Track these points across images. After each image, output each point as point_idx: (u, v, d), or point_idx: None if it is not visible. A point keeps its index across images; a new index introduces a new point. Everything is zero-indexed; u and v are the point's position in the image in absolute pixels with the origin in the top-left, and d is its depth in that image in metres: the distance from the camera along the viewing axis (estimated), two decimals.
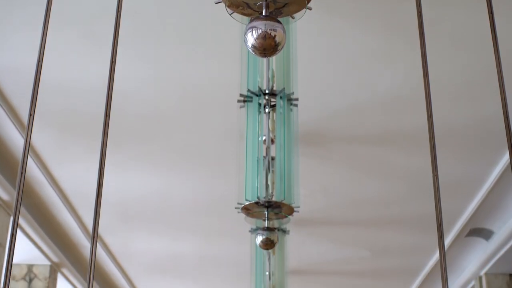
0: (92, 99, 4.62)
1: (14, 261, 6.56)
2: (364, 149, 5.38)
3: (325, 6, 3.78)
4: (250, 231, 3.94)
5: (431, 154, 1.62)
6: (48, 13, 1.66)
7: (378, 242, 7.42)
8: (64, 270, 7.58)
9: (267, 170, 3.60)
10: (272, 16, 1.58)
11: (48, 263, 7.23)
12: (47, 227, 6.66)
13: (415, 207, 6.40)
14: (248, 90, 3.51)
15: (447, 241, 7.07)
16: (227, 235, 7.10)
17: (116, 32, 1.69)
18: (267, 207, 3.44)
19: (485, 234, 6.95)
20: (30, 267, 7.25)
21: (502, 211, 6.36)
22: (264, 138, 3.58)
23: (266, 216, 3.47)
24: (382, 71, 4.42)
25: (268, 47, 1.56)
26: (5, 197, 5.62)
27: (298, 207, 3.54)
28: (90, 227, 6.77)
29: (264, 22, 1.55)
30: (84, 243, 7.29)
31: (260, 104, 3.51)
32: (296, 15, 1.66)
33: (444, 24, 3.93)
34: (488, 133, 5.05)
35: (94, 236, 1.51)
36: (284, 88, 3.54)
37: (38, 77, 1.60)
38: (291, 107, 3.62)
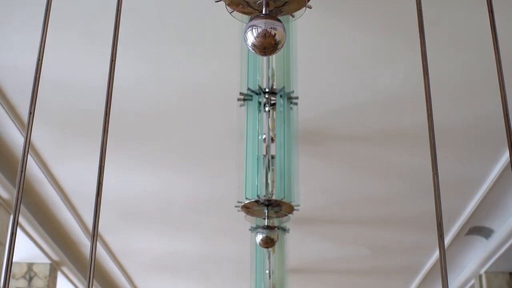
0: (92, 98, 4.62)
1: (14, 260, 6.56)
2: (364, 148, 5.38)
3: (325, 5, 3.78)
4: (250, 229, 3.94)
5: (431, 153, 1.62)
6: (48, 12, 1.66)
7: (378, 240, 7.43)
8: (64, 269, 7.58)
9: (267, 169, 3.60)
10: (272, 15, 1.58)
11: (48, 261, 7.23)
12: (47, 225, 6.66)
13: (415, 205, 6.40)
14: (248, 89, 3.51)
15: (447, 240, 7.07)
16: (227, 233, 7.11)
17: (116, 31, 1.69)
18: (267, 205, 3.44)
19: (485, 232, 6.95)
20: (30, 266, 7.25)
21: (502, 209, 6.36)
22: (264, 136, 3.58)
23: (266, 214, 3.47)
24: (382, 70, 4.42)
25: (268, 45, 1.56)
26: (5, 195, 5.62)
27: (298, 205, 3.54)
28: (90, 225, 6.77)
29: (264, 20, 1.55)
30: (84, 242, 7.29)
31: (260, 103, 3.51)
32: (296, 13, 1.66)
33: (444, 24, 3.93)
34: (488, 132, 5.05)
35: (94, 235, 1.51)
36: (284, 86, 3.54)
37: (38, 75, 1.60)
38: (291, 105, 3.62)
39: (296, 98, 3.65)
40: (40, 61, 1.61)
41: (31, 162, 5.46)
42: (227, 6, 1.62)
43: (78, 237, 7.20)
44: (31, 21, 3.84)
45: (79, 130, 5.10)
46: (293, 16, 1.66)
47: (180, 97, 4.73)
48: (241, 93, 3.55)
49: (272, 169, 3.61)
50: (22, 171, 1.52)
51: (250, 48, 1.58)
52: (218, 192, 6.12)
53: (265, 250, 4.61)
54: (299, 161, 4.02)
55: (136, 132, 5.17)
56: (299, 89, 3.72)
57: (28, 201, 6.16)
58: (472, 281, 7.92)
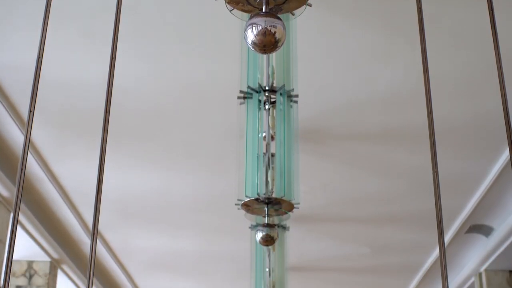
0: (92, 96, 4.62)
1: (14, 258, 6.57)
2: (364, 146, 5.38)
3: (325, 3, 3.78)
4: (250, 227, 3.94)
5: (431, 151, 1.62)
6: (47, 11, 1.66)
7: (378, 238, 7.43)
8: (64, 267, 7.59)
9: (267, 167, 3.60)
10: (272, 13, 1.58)
11: (48, 259, 7.24)
12: (47, 223, 6.67)
13: (415, 203, 6.40)
14: (248, 87, 3.51)
15: (447, 238, 7.08)
16: (227, 231, 7.11)
17: (116, 29, 1.68)
18: (267, 203, 3.44)
19: (485, 230, 6.95)
20: (30, 264, 7.26)
21: (502, 207, 6.36)
22: (264, 134, 3.58)
23: (266, 212, 3.47)
24: (382, 68, 4.41)
25: (268, 43, 1.55)
26: (5, 193, 5.62)
27: (298, 203, 3.54)
28: (90, 223, 6.78)
29: (264, 18, 1.55)
30: (84, 240, 7.29)
31: (260, 101, 3.51)
32: (296, 11, 1.66)
33: (444, 21, 3.93)
34: (488, 130, 5.05)
35: (94, 233, 1.51)
36: (284, 84, 3.54)
37: (38, 74, 1.60)
38: (291, 103, 3.62)
39: (296, 96, 3.65)
40: (40, 60, 1.61)
41: (31, 160, 5.46)
42: (227, 4, 1.62)
43: (78, 235, 7.20)
44: (31, 20, 3.84)
45: (79, 129, 5.10)
46: (293, 14, 1.66)
47: (180, 96, 4.73)
48: (241, 91, 3.55)
49: (272, 167, 3.61)
50: (22, 169, 1.52)
51: (250, 46, 1.58)
52: (218, 190, 6.12)
53: (265, 248, 4.61)
54: (299, 159, 4.03)
55: (136, 130, 5.17)
56: (299, 87, 3.72)
57: (28, 199, 6.16)
58: (472, 279, 7.92)
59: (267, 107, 3.61)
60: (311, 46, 4.15)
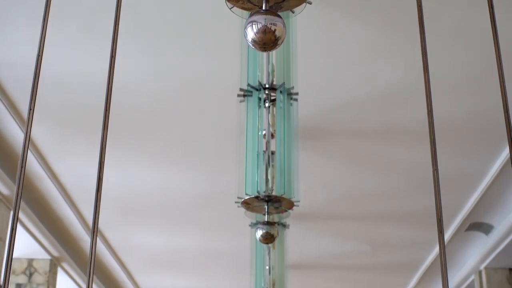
0: (92, 93, 4.62)
1: (14, 256, 6.57)
2: (364, 143, 5.38)
3: (325, 1, 3.78)
4: (250, 225, 3.94)
5: (431, 149, 1.62)
6: (47, 8, 1.65)
7: (378, 236, 7.43)
8: (64, 264, 7.59)
9: (267, 165, 3.60)
10: (272, 10, 1.58)
11: (48, 257, 7.24)
12: (47, 221, 6.66)
13: (415, 201, 6.40)
14: (248, 85, 3.51)
15: (447, 236, 7.08)
16: (227, 229, 7.11)
17: (116, 26, 1.68)
18: (267, 201, 3.44)
19: (485, 228, 6.95)
20: (30, 261, 7.26)
21: (502, 205, 6.36)
22: (264, 132, 3.58)
23: (266, 210, 3.47)
24: (382, 65, 4.41)
25: (268, 41, 1.55)
26: (5, 191, 5.62)
27: (298, 201, 3.54)
28: (90, 221, 6.78)
29: (264, 16, 1.55)
30: (84, 238, 7.29)
31: (260, 99, 3.51)
32: (296, 9, 1.66)
33: (444, 19, 3.93)
34: (488, 127, 5.05)
35: (94, 231, 1.51)
36: (284, 82, 3.54)
37: (38, 71, 1.60)
38: (291, 101, 3.62)
39: (296, 94, 3.64)
40: (40, 57, 1.61)
41: (31, 158, 5.46)
42: (227, 2, 1.62)
43: (78, 233, 7.21)
44: (31, 17, 3.84)
45: (79, 126, 5.10)
46: (293, 12, 1.66)
47: (180, 93, 4.73)
48: (241, 89, 3.55)
49: (272, 165, 3.61)
50: (22, 167, 1.52)
51: (250, 44, 1.58)
52: (218, 187, 6.12)
53: (265, 246, 4.61)
54: (299, 157, 4.03)
55: (136, 128, 5.17)
56: (299, 85, 3.72)
57: (28, 197, 6.16)
58: (472, 277, 7.93)
59: (267, 105, 3.61)
60: (311, 43, 4.15)
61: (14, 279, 7.15)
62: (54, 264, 7.36)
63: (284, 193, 3.37)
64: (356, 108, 4.88)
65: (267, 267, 5.06)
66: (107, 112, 1.61)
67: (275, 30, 1.55)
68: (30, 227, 6.50)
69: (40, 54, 1.62)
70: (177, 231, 7.31)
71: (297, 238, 7.17)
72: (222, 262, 8.26)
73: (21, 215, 6.20)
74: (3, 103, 4.72)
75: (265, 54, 3.52)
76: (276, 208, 3.49)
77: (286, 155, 3.43)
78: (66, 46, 4.15)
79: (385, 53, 4.28)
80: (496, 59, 1.66)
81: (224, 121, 5.02)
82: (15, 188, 1.52)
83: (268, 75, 3.61)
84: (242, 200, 3.38)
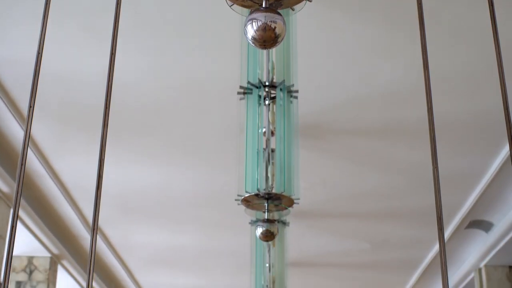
0: (92, 91, 4.62)
1: (14, 253, 6.57)
2: (364, 142, 5.38)
3: None
4: (250, 223, 3.94)
5: (431, 147, 1.62)
6: (47, 5, 1.65)
7: (378, 234, 7.43)
8: (64, 262, 7.59)
9: (267, 162, 3.60)
10: (272, 8, 1.58)
11: (48, 255, 7.24)
12: (47, 219, 6.67)
13: (415, 199, 6.41)
14: (248, 82, 3.50)
15: (447, 233, 7.08)
16: (227, 227, 7.11)
17: (116, 24, 1.68)
18: (267, 199, 3.44)
19: (485, 226, 6.95)
20: (30, 259, 7.26)
21: (501, 203, 6.36)
22: (264, 130, 3.58)
23: (266, 208, 3.47)
24: (382, 64, 4.41)
25: (268, 39, 1.55)
26: (5, 189, 5.62)
27: (298, 199, 3.54)
28: (90, 219, 6.78)
29: (264, 14, 1.55)
30: (84, 235, 7.30)
31: (260, 96, 3.51)
32: (296, 7, 1.65)
33: (444, 17, 3.93)
34: (488, 125, 5.05)
35: (94, 228, 1.51)
36: (284, 80, 3.54)
37: (38, 69, 1.60)
38: (291, 99, 3.62)
39: (296, 91, 3.64)
40: (40, 55, 1.61)
41: (31, 155, 5.46)
42: (227, 0, 1.62)
43: (78, 231, 7.21)
44: (31, 15, 3.84)
45: (79, 124, 5.10)
46: (293, 10, 1.66)
47: (180, 91, 4.73)
48: (241, 87, 3.55)
49: (272, 163, 3.61)
50: (22, 165, 1.52)
51: (250, 42, 1.58)
52: (218, 185, 6.12)
53: (265, 243, 4.61)
54: (299, 154, 4.03)
55: (136, 125, 5.17)
56: (299, 83, 3.72)
57: (28, 195, 6.16)
58: (472, 275, 7.93)
59: (267, 102, 3.61)
60: (311, 41, 4.15)
61: (14, 277, 7.16)
62: (54, 261, 7.37)
63: (284, 191, 3.37)
64: (356, 107, 4.88)
65: (267, 265, 5.06)
66: (107, 110, 1.61)
67: (275, 27, 1.54)
68: (30, 225, 6.50)
69: (40, 51, 1.62)
70: (177, 229, 7.31)
71: (297, 236, 7.17)
72: (222, 260, 8.27)
73: (21, 213, 6.20)
74: (3, 101, 4.72)
75: (265, 51, 3.52)
76: (276, 206, 3.49)
77: (286, 153, 3.43)
78: (66, 44, 4.15)
79: (385, 51, 4.28)
80: (496, 58, 1.66)
81: (224, 119, 5.02)
82: (15, 185, 1.53)
83: (268, 73, 3.61)
84: (242, 197, 3.38)
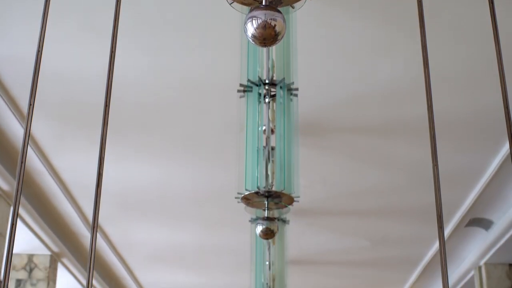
0: (92, 89, 4.62)
1: (14, 251, 6.57)
2: (364, 139, 5.38)
3: None
4: (250, 221, 3.94)
5: (431, 145, 1.62)
6: (47, 3, 1.65)
7: (378, 232, 7.43)
8: (65, 260, 7.59)
9: (267, 160, 3.60)
10: (272, 6, 1.58)
11: (49, 253, 7.24)
12: (47, 217, 6.67)
13: (415, 197, 6.41)
14: (248, 80, 3.50)
15: (447, 231, 7.08)
16: (227, 225, 7.11)
17: (116, 22, 1.68)
18: (267, 197, 3.44)
19: (485, 224, 6.95)
20: (30, 257, 7.27)
21: (501, 201, 6.36)
22: (264, 128, 3.58)
23: (266, 206, 3.47)
24: (382, 61, 4.41)
25: (268, 36, 1.55)
26: (5, 187, 5.62)
27: (298, 197, 3.54)
28: (90, 217, 6.78)
29: (264, 11, 1.55)
30: (84, 233, 7.30)
31: (260, 94, 3.50)
32: (296, 4, 1.65)
33: (444, 15, 3.92)
34: (488, 123, 5.05)
35: (94, 226, 1.51)
36: (284, 78, 3.53)
37: (38, 67, 1.60)
38: (291, 97, 3.61)
39: (296, 89, 3.64)
40: (39, 53, 1.61)
41: (31, 153, 5.46)
42: None
43: (78, 229, 7.21)
44: (31, 13, 3.83)
45: (79, 122, 5.10)
46: (293, 7, 1.66)
47: (180, 89, 4.72)
48: (241, 85, 3.55)
49: (272, 161, 3.61)
50: (22, 163, 1.52)
51: (250, 39, 1.57)
52: (218, 183, 6.12)
53: (265, 241, 4.62)
54: (299, 152, 4.02)
55: (136, 123, 5.17)
56: (299, 81, 3.72)
57: (28, 193, 6.16)
58: (472, 273, 7.93)
59: (267, 100, 3.61)
60: (311, 39, 4.15)
61: (14, 275, 7.16)
62: (54, 259, 7.37)
63: (284, 189, 3.37)
64: (356, 104, 4.88)
65: (267, 263, 5.07)
66: (107, 107, 1.61)
67: (275, 25, 1.54)
68: (30, 223, 6.50)
69: (40, 50, 1.62)
70: (177, 226, 7.31)
71: (297, 234, 7.18)
72: (222, 257, 8.27)
73: (21, 211, 6.21)
74: (3, 99, 4.71)
75: (265, 49, 3.52)
76: (276, 203, 3.49)
77: (286, 151, 3.43)
78: (66, 42, 4.15)
79: (385, 49, 4.27)
80: (496, 56, 1.66)
81: (224, 117, 5.02)
82: (15, 183, 1.53)
83: (268, 71, 3.60)
84: (242, 195, 3.38)
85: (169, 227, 7.33)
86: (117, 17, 1.69)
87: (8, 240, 1.46)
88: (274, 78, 3.60)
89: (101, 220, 6.95)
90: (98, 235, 7.23)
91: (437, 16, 3.90)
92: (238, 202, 3.47)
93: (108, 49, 1.68)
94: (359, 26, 4.04)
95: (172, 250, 8.04)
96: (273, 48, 3.57)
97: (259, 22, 1.54)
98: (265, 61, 3.58)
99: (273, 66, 3.62)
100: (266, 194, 3.43)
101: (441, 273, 1.54)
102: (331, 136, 5.34)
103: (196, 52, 4.32)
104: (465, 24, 4.02)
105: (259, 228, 3.70)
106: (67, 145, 5.48)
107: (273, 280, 5.13)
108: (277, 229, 3.77)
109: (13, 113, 4.89)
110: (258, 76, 3.50)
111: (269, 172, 3.56)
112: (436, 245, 7.48)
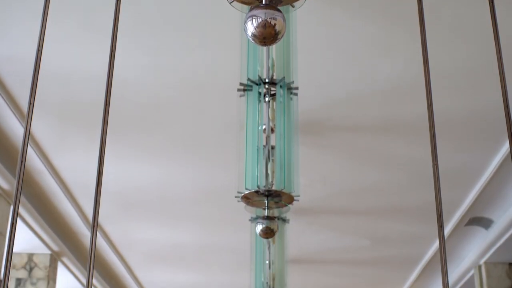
0: (92, 88, 4.62)
1: (14, 250, 6.58)
2: (364, 138, 5.38)
3: None
4: (250, 220, 3.94)
5: (431, 144, 1.62)
6: (47, 2, 1.65)
7: (378, 231, 7.44)
8: (64, 259, 7.59)
9: (267, 159, 3.60)
10: (272, 5, 1.58)
11: (49, 252, 7.25)
12: (47, 216, 6.67)
13: (415, 196, 6.41)
14: (248, 79, 3.50)
15: (447, 230, 7.08)
16: (227, 224, 7.12)
17: (116, 22, 1.68)
18: (267, 196, 3.44)
19: (485, 223, 6.95)
20: (30, 256, 7.27)
21: (501, 200, 6.36)
22: (264, 127, 3.58)
23: (266, 205, 3.47)
24: (382, 60, 4.41)
25: (268, 35, 1.55)
26: (5, 186, 5.62)
27: (298, 196, 3.54)
28: (90, 216, 6.78)
29: (264, 10, 1.55)
30: (84, 232, 7.30)
31: (260, 93, 3.50)
32: (296, 3, 1.65)
33: (444, 13, 3.92)
34: (488, 122, 5.05)
35: (94, 225, 1.51)
36: (284, 77, 3.53)
37: (37, 66, 1.60)
38: (291, 96, 3.61)
39: (296, 88, 3.64)
40: (39, 52, 1.61)
41: (31, 152, 5.46)
42: None
43: (78, 228, 7.21)
44: (31, 12, 3.83)
45: (79, 121, 5.10)
46: (293, 6, 1.66)
47: (180, 88, 4.72)
48: (241, 84, 3.54)
49: (272, 160, 3.61)
50: (22, 162, 1.52)
51: (250, 38, 1.58)
52: (218, 182, 6.12)
53: (265, 240, 4.62)
54: (299, 151, 4.02)
55: (136, 122, 5.16)
56: (299, 80, 3.71)
57: (28, 192, 6.16)
58: (472, 272, 7.93)
59: (267, 99, 3.61)
60: (311, 38, 4.15)
61: (14, 274, 7.16)
62: (54, 258, 7.37)
63: (284, 188, 3.37)
64: (356, 103, 4.88)
65: (267, 262, 5.07)
66: (107, 107, 1.61)
67: (275, 24, 1.54)
68: (30, 222, 6.50)
69: (40, 48, 1.62)
70: (177, 225, 7.31)
71: (297, 233, 7.18)
72: (222, 256, 8.27)
73: (21, 210, 6.21)
74: (3, 98, 4.71)
75: (265, 48, 3.52)
76: (276, 202, 3.49)
77: (286, 150, 3.42)
78: (66, 41, 4.15)
79: (385, 48, 4.27)
80: (496, 54, 1.66)
81: (224, 115, 5.01)
82: (15, 182, 1.53)
83: (268, 70, 3.60)
84: (242, 194, 3.38)
85: (169, 226, 7.33)
86: (117, 16, 1.69)
87: (8, 239, 1.46)
88: (274, 77, 3.60)
89: (101, 219, 6.95)
90: (98, 234, 7.23)
91: (437, 15, 3.90)
92: (238, 201, 3.47)
93: (108, 49, 1.68)
94: (359, 25, 4.04)
95: (172, 249, 8.04)
96: (273, 47, 3.57)
97: (259, 21, 1.54)
98: (265, 60, 3.57)
99: (273, 65, 3.61)
100: (266, 193, 3.43)
101: (441, 272, 1.54)
102: (331, 135, 5.34)
103: (196, 51, 4.32)
104: (465, 24, 4.02)
105: (259, 227, 3.70)
106: (67, 144, 5.48)
107: (273, 279, 5.13)
108: (277, 228, 3.77)
109: (13, 112, 4.89)
110: (258, 75, 3.50)
111: (269, 171, 3.56)
112: (436, 244, 7.49)
